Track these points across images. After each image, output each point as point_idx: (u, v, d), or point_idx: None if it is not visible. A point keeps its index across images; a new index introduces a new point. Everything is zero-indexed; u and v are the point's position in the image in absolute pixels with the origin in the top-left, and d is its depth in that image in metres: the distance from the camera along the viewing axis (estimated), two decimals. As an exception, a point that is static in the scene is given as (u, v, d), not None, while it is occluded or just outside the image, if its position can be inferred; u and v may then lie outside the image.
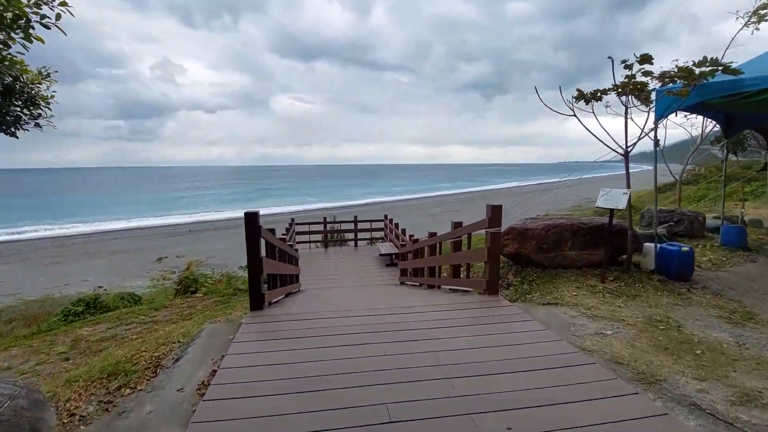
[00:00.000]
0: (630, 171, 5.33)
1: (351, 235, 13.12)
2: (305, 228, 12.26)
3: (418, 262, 6.35)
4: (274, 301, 4.52)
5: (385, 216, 12.72)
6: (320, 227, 12.72)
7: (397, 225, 11.05)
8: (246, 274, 5.42)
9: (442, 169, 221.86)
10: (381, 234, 13.16)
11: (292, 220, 11.96)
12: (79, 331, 7.34)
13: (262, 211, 4.11)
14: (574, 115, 5.32)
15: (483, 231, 4.25)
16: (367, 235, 13.41)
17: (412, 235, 8.70)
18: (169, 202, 55.49)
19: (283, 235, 10.15)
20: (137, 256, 23.76)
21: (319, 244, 13.01)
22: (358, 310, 3.87)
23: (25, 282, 18.18)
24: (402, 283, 7.76)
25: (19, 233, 32.18)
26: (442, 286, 5.29)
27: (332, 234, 13.38)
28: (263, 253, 4.05)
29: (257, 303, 3.94)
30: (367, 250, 11.94)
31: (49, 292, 16.55)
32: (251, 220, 3.76)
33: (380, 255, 10.65)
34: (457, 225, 4.93)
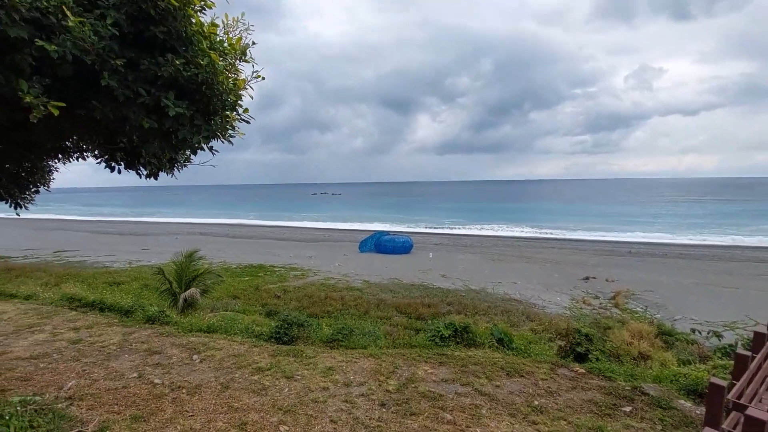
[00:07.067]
0: None
1: None
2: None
3: None
4: None
5: None
6: None
7: None
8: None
9: None
10: None
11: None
12: (421, 367, 6.32)
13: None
14: None
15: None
16: None
17: None
18: (617, 216, 51.81)
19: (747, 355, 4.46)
20: (566, 269, 23.10)
21: None
22: None
23: (476, 273, 21.81)
24: None
25: (485, 231, 40.59)
26: None
27: None
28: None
29: None
30: None
31: (484, 286, 18.63)
32: None
33: None
34: None
